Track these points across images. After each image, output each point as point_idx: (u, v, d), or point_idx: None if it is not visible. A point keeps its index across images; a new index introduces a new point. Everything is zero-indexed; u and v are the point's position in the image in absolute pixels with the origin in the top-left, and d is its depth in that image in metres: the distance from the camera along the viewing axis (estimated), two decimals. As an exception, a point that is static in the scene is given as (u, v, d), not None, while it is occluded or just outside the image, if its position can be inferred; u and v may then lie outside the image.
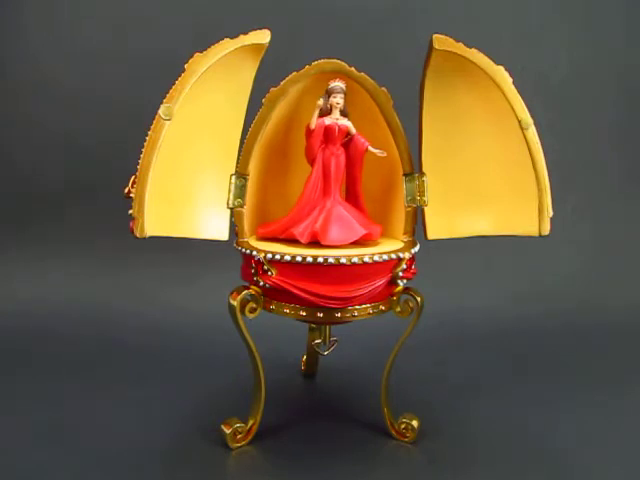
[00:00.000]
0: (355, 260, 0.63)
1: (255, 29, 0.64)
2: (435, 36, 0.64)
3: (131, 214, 0.61)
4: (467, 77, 0.67)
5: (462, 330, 1.11)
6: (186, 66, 0.61)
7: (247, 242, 0.70)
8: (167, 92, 0.61)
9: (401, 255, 0.66)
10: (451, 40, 0.65)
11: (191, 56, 0.61)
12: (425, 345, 0.99)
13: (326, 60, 0.68)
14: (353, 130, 0.70)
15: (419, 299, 0.69)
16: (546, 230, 0.70)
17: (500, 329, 1.11)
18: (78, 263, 1.25)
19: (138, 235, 0.60)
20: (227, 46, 0.62)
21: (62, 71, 1.26)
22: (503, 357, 1.00)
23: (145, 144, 0.60)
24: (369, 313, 0.67)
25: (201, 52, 0.61)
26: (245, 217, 0.71)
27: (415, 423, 0.71)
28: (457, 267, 1.24)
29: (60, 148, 1.27)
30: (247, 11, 1.20)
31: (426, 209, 0.72)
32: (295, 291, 0.64)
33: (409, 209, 0.73)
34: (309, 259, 0.63)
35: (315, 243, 0.67)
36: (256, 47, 0.64)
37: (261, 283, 0.66)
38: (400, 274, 0.67)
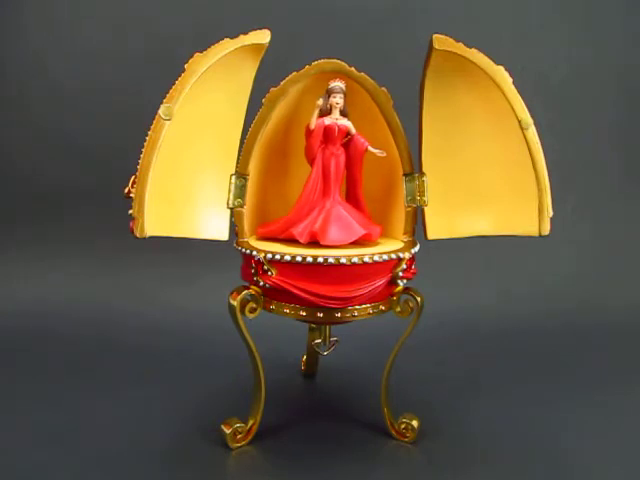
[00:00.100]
0: (355, 260, 0.63)
1: (255, 29, 0.64)
2: (435, 36, 0.64)
3: (131, 214, 0.61)
4: (467, 77, 0.67)
5: (462, 330, 1.11)
6: (186, 66, 0.61)
7: (247, 242, 0.70)
8: (167, 92, 0.61)
9: (401, 255, 0.66)
10: (451, 40, 0.65)
11: (191, 56, 0.61)
12: (425, 345, 0.99)
13: (326, 60, 0.68)
14: (353, 130, 0.70)
15: (419, 299, 0.69)
16: (546, 230, 0.70)
17: (500, 329, 1.11)
18: (78, 263, 1.25)
19: (138, 235, 0.60)
20: (227, 46, 0.62)
21: (62, 71, 1.26)
22: (503, 357, 1.00)
23: (145, 144, 0.60)
24: (369, 313, 0.67)
25: (201, 52, 0.61)
26: (245, 217, 0.71)
27: (415, 423, 0.71)
28: (457, 267, 1.24)
29: (60, 148, 1.27)
30: (247, 11, 1.20)
31: (426, 209, 0.72)
32: (295, 291, 0.64)
33: (409, 209, 0.73)
34: (309, 259, 0.63)
35: (315, 243, 0.67)
36: (256, 47, 0.64)
37: (261, 283, 0.66)
38: (400, 274, 0.67)
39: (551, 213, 0.69)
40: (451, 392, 0.86)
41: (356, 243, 0.67)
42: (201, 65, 0.61)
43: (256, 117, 0.69)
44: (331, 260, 0.63)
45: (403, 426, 0.72)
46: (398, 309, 0.69)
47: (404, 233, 0.73)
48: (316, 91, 0.69)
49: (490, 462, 0.67)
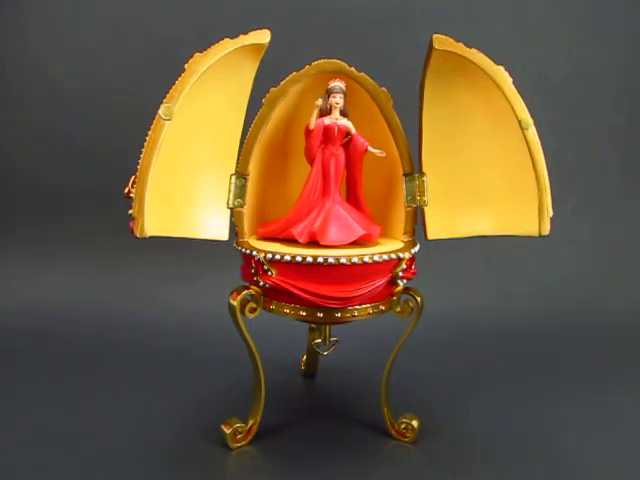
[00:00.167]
0: (355, 260, 0.63)
1: (255, 29, 0.64)
2: (435, 36, 0.64)
3: (131, 214, 0.61)
4: (467, 77, 0.67)
5: (462, 330, 1.11)
6: (186, 66, 0.61)
7: (247, 242, 0.70)
8: (167, 92, 0.61)
9: (401, 255, 0.66)
10: (451, 40, 0.65)
11: (191, 56, 0.61)
12: (425, 345, 0.99)
13: (326, 60, 0.68)
14: (353, 130, 0.70)
15: (419, 299, 0.69)
16: (546, 230, 0.70)
17: (500, 329, 1.11)
18: (78, 263, 1.25)
19: (138, 235, 0.60)
20: (227, 46, 0.62)
21: (62, 71, 1.26)
22: (503, 357, 1.00)
23: (145, 144, 0.60)
24: (369, 313, 0.67)
25: (201, 52, 0.61)
26: (245, 217, 0.71)
27: (415, 423, 0.71)
28: (457, 267, 1.24)
29: (60, 148, 1.27)
30: (247, 11, 1.20)
31: (426, 209, 0.72)
32: (295, 291, 0.64)
33: (409, 209, 0.73)
34: (309, 259, 0.63)
35: (314, 243, 0.67)
36: (256, 47, 0.64)
37: (261, 283, 0.66)
38: (400, 274, 0.67)
39: (551, 213, 0.69)
40: (451, 392, 0.86)
41: (356, 243, 0.67)
42: (201, 65, 0.61)
43: (256, 117, 0.69)
44: (331, 260, 0.63)
45: (403, 426, 0.72)
46: (398, 309, 0.69)
47: (404, 233, 0.73)
48: (316, 91, 0.69)
49: (490, 462, 0.67)
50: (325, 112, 0.69)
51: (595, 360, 0.99)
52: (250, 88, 0.68)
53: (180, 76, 0.61)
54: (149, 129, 0.60)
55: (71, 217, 1.27)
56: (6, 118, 1.28)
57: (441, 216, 0.73)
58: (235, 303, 0.67)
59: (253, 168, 0.70)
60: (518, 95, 0.67)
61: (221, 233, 0.69)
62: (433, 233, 0.73)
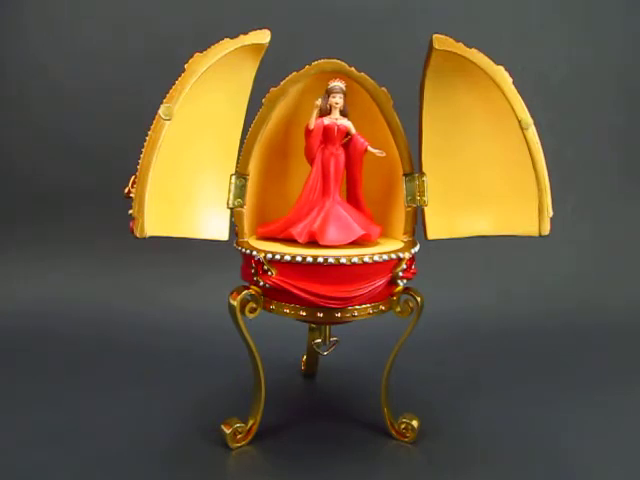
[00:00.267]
0: (355, 260, 0.63)
1: (255, 29, 0.64)
2: (435, 36, 0.64)
3: (131, 214, 0.61)
4: (467, 77, 0.67)
5: (462, 330, 1.11)
6: (186, 66, 0.61)
7: (247, 242, 0.70)
8: (167, 92, 0.61)
9: (401, 255, 0.66)
10: (451, 40, 0.65)
11: (191, 56, 0.61)
12: (425, 345, 0.99)
13: (326, 60, 0.68)
14: (353, 130, 0.70)
15: (419, 299, 0.69)
16: (546, 230, 0.70)
17: (500, 329, 1.11)
18: (78, 263, 1.25)
19: (138, 235, 0.60)
20: (227, 46, 0.62)
21: (62, 71, 1.26)
22: (503, 357, 1.00)
23: (145, 144, 0.60)
24: (369, 313, 0.67)
25: (201, 52, 0.61)
26: (245, 217, 0.71)
27: (415, 423, 0.71)
28: (457, 267, 1.24)
29: (60, 148, 1.27)
30: (247, 11, 1.20)
31: (426, 209, 0.72)
32: (295, 291, 0.64)
33: (409, 209, 0.73)
34: (309, 259, 0.63)
35: (314, 243, 0.67)
36: (256, 47, 0.64)
37: (261, 283, 0.66)
38: (400, 274, 0.67)
39: (551, 213, 0.69)
40: (451, 392, 0.86)
41: (356, 243, 0.67)
42: (201, 65, 0.61)
43: (256, 117, 0.69)
44: (331, 260, 0.63)
45: (403, 426, 0.72)
46: (398, 309, 0.69)
47: (404, 233, 0.73)
48: (316, 91, 0.69)
49: (490, 462, 0.67)
50: (325, 112, 0.69)
51: (595, 360, 0.99)
52: (250, 88, 0.68)
53: (180, 76, 0.61)
54: (149, 129, 0.60)
55: (71, 217, 1.27)
56: (6, 118, 1.28)
57: (441, 216, 0.73)
58: (235, 303, 0.67)
59: (253, 168, 0.70)
60: (518, 95, 0.67)
61: (221, 233, 0.69)
62: (433, 233, 0.73)
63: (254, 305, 0.68)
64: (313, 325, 0.82)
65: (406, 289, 0.69)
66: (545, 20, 1.28)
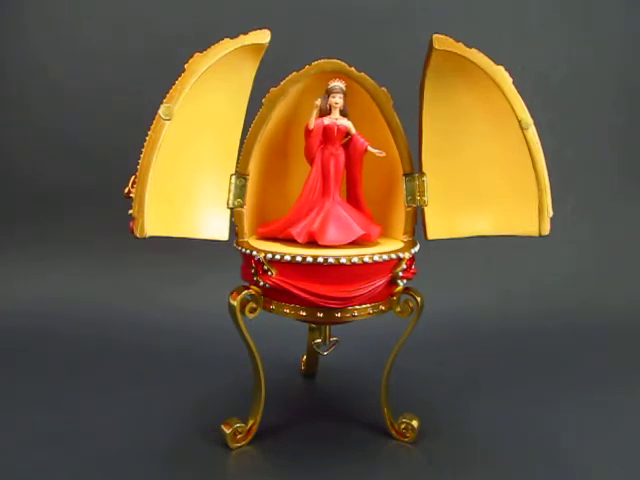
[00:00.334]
0: (355, 260, 0.63)
1: (255, 29, 0.64)
2: (435, 36, 0.64)
3: (131, 214, 0.61)
4: (467, 77, 0.67)
5: (462, 330, 1.11)
6: (186, 66, 0.61)
7: (247, 242, 0.70)
8: (167, 92, 0.61)
9: (401, 255, 0.66)
10: (451, 40, 0.65)
11: (191, 56, 0.61)
12: (425, 345, 0.99)
13: (326, 60, 0.68)
14: (353, 130, 0.70)
15: (419, 299, 0.69)
16: (546, 230, 0.70)
17: (500, 329, 1.11)
18: (78, 263, 1.25)
19: (138, 235, 0.60)
20: (227, 46, 0.62)
21: (62, 71, 1.26)
22: (503, 357, 1.00)
23: (145, 144, 0.60)
24: (369, 313, 0.67)
25: (201, 52, 0.61)
26: (245, 217, 0.71)
27: (415, 423, 0.71)
28: (457, 267, 1.24)
29: (60, 148, 1.27)
30: (247, 11, 1.20)
31: (426, 209, 0.72)
32: (295, 291, 0.64)
33: (409, 209, 0.73)
34: (309, 259, 0.63)
35: (314, 243, 0.67)
36: (256, 47, 0.64)
37: (261, 283, 0.66)
38: (400, 274, 0.67)
39: (551, 213, 0.69)
40: (451, 392, 0.86)
41: (355, 243, 0.67)
42: (201, 65, 0.61)
43: (256, 117, 0.69)
44: (331, 260, 0.63)
45: (403, 426, 0.72)
46: (398, 309, 0.69)
47: (404, 233, 0.73)
48: (316, 91, 0.69)
49: (490, 462, 0.67)
50: (325, 112, 0.69)
51: (595, 360, 0.99)
52: (250, 88, 0.68)
53: (180, 76, 0.61)
54: (149, 129, 0.60)
55: (71, 217, 1.27)
56: (6, 118, 1.28)
57: (441, 216, 0.73)
58: (235, 303, 0.67)
59: (253, 168, 0.70)
60: (518, 95, 0.67)
61: (221, 233, 0.69)
62: (433, 233, 0.73)
63: (254, 305, 0.68)
64: (313, 325, 0.82)
65: (406, 289, 0.69)
66: (545, 20, 1.28)
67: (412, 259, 0.69)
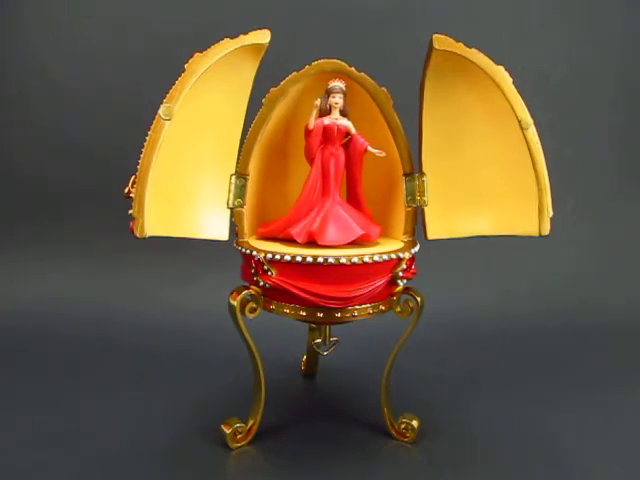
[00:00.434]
0: (355, 260, 0.63)
1: (255, 29, 0.64)
2: (435, 36, 0.64)
3: (131, 214, 0.61)
4: (467, 77, 0.67)
5: (462, 330, 1.11)
6: (186, 66, 0.61)
7: (247, 242, 0.70)
8: (167, 92, 0.61)
9: (401, 255, 0.66)
10: (451, 40, 0.65)
11: (191, 56, 0.61)
12: (425, 345, 0.99)
13: (326, 60, 0.68)
14: (353, 130, 0.70)
15: (419, 299, 0.69)
16: (546, 230, 0.70)
17: (500, 329, 1.11)
18: (78, 263, 1.25)
19: (138, 235, 0.60)
20: (227, 46, 0.62)
21: (62, 71, 1.26)
22: (503, 357, 1.00)
23: (145, 144, 0.60)
24: (369, 313, 0.67)
25: (201, 52, 0.61)
26: (245, 217, 0.71)
27: (415, 423, 0.71)
28: (457, 267, 1.24)
29: (60, 148, 1.27)
30: (247, 11, 1.20)
31: (426, 209, 0.72)
32: (295, 291, 0.64)
33: (409, 209, 0.73)
34: (309, 259, 0.63)
35: (313, 243, 0.67)
36: (256, 47, 0.64)
37: (261, 283, 0.66)
38: (400, 274, 0.67)
39: (551, 213, 0.69)
40: (451, 392, 0.86)
41: (355, 243, 0.67)
42: (201, 65, 0.61)
43: (256, 117, 0.69)
44: (331, 260, 0.63)
45: (403, 426, 0.72)
46: (398, 309, 0.69)
47: (404, 233, 0.73)
48: (316, 91, 0.69)
49: (490, 462, 0.67)
50: (325, 112, 0.69)
51: (595, 360, 0.99)
52: (250, 88, 0.68)
53: (180, 76, 0.61)
54: (149, 129, 0.60)
55: (71, 217, 1.27)
56: (6, 118, 1.28)
57: (441, 216, 0.73)
58: (235, 303, 0.67)
59: (253, 168, 0.70)
60: (518, 95, 0.67)
61: (221, 233, 0.69)
62: (433, 233, 0.73)
63: (254, 305, 0.68)
64: (313, 325, 0.82)
65: (406, 289, 0.69)
66: (545, 20, 1.28)
67: (412, 259, 0.69)
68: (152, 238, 0.61)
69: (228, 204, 0.69)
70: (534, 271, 1.26)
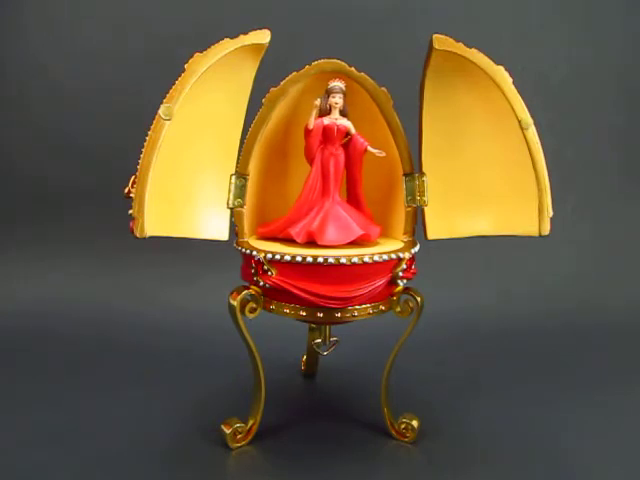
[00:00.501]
0: (355, 260, 0.63)
1: (255, 29, 0.64)
2: (435, 36, 0.64)
3: (131, 214, 0.61)
4: (467, 77, 0.67)
5: (462, 330, 1.11)
6: (186, 66, 0.61)
7: (247, 242, 0.70)
8: (167, 92, 0.61)
9: (401, 255, 0.66)
10: (451, 40, 0.65)
11: (191, 56, 0.61)
12: (425, 345, 0.99)
13: (326, 60, 0.68)
14: (353, 130, 0.70)
15: (419, 299, 0.69)
16: (546, 230, 0.70)
17: (500, 329, 1.11)
18: (78, 263, 1.25)
19: (138, 235, 0.60)
20: (227, 46, 0.62)
21: (62, 71, 1.26)
22: (503, 357, 1.00)
23: (145, 144, 0.60)
24: (369, 313, 0.67)
25: (201, 52, 0.61)
26: (245, 217, 0.71)
27: (415, 423, 0.71)
28: (457, 267, 1.24)
29: (60, 148, 1.27)
30: (247, 11, 1.20)
31: (426, 209, 0.72)
32: (295, 291, 0.64)
33: (409, 209, 0.73)
34: (309, 259, 0.63)
35: (313, 243, 0.67)
36: (256, 47, 0.64)
37: (261, 283, 0.66)
38: (400, 274, 0.67)
39: (551, 213, 0.69)
40: (451, 392, 0.86)
41: (355, 243, 0.67)
42: (201, 65, 0.61)
43: (256, 117, 0.69)
44: (331, 260, 0.63)
45: (403, 426, 0.72)
46: (398, 309, 0.69)
47: (404, 233, 0.73)
48: (316, 91, 0.69)
49: (490, 462, 0.67)
50: (325, 112, 0.69)
51: (595, 360, 0.99)
52: (250, 88, 0.68)
53: (180, 76, 0.61)
54: (149, 129, 0.60)
55: (71, 217, 1.27)
56: (6, 118, 1.28)
57: (441, 216, 0.73)
58: (235, 303, 0.67)
59: (253, 168, 0.70)
60: (518, 95, 0.67)
61: (221, 233, 0.69)
62: (433, 233, 0.73)
63: (254, 305, 0.68)
64: (313, 325, 0.82)
65: (406, 289, 0.69)
66: (545, 20, 1.28)
67: (412, 259, 0.69)
68: (152, 238, 0.61)
69: (228, 204, 0.69)
70: (534, 271, 1.26)
